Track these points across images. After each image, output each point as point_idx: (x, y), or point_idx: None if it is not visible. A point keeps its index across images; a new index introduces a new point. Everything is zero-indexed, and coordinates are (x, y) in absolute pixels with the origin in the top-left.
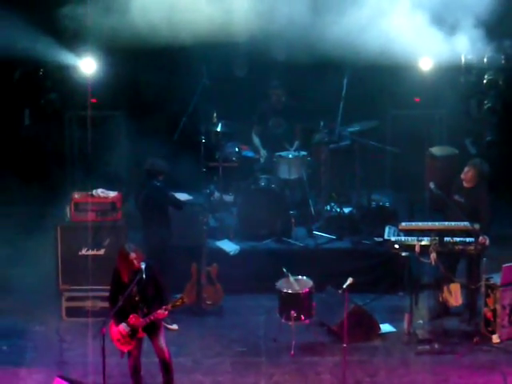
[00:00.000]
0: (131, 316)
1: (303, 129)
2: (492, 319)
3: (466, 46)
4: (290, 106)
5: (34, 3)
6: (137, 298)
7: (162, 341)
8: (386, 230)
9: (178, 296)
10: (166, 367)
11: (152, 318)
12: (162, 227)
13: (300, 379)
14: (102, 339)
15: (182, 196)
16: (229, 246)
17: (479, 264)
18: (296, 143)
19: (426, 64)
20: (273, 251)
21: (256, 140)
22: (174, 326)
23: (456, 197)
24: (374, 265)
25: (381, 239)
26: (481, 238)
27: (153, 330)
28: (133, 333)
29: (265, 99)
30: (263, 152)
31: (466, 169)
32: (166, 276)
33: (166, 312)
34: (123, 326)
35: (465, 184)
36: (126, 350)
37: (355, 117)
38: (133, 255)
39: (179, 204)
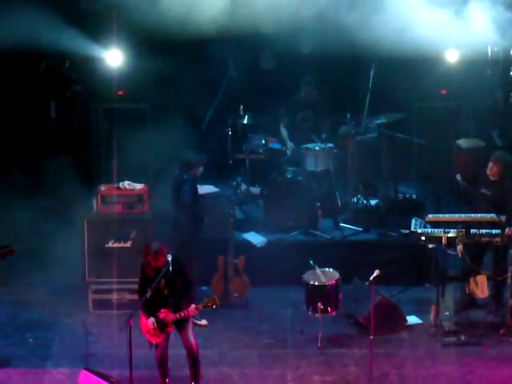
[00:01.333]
0: (162, 310)
1: (330, 121)
2: None
3: (493, 39)
4: (319, 99)
5: None
6: (165, 292)
7: (191, 334)
8: (413, 222)
9: (205, 288)
10: (194, 360)
11: (182, 315)
12: (192, 221)
13: (326, 371)
14: (128, 332)
15: (209, 188)
16: (255, 239)
17: (506, 256)
18: (323, 135)
19: (452, 56)
20: (299, 243)
21: (284, 132)
22: (203, 322)
23: (483, 190)
24: (401, 257)
25: (407, 231)
26: (507, 229)
27: (181, 323)
28: (162, 326)
29: (294, 92)
30: (290, 144)
31: (490, 164)
32: (194, 269)
33: (197, 311)
34: (152, 321)
35: (491, 178)
36: (154, 342)
37: (382, 109)
38: (157, 253)
39: (197, 213)
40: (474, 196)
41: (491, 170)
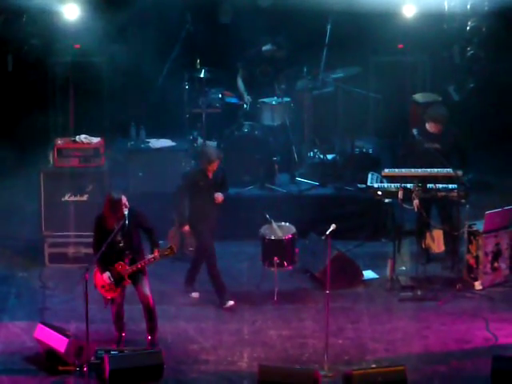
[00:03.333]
0: (117, 263)
1: (287, 75)
2: (474, 266)
3: None
4: (277, 54)
5: None
6: (121, 245)
7: (147, 288)
8: (369, 176)
9: (162, 242)
10: (150, 314)
11: (139, 265)
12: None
13: (283, 326)
14: (84, 285)
15: (165, 142)
16: None
17: (461, 211)
18: (282, 88)
19: (409, 10)
20: (256, 197)
21: (241, 85)
22: (195, 294)
23: (435, 145)
24: (357, 211)
25: (364, 186)
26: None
27: (137, 277)
28: (118, 280)
29: (252, 47)
30: (247, 98)
31: (429, 124)
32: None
33: (154, 260)
34: (107, 275)
35: (435, 132)
36: (109, 297)
37: (339, 63)
38: (123, 200)
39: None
40: (429, 150)
41: (432, 127)
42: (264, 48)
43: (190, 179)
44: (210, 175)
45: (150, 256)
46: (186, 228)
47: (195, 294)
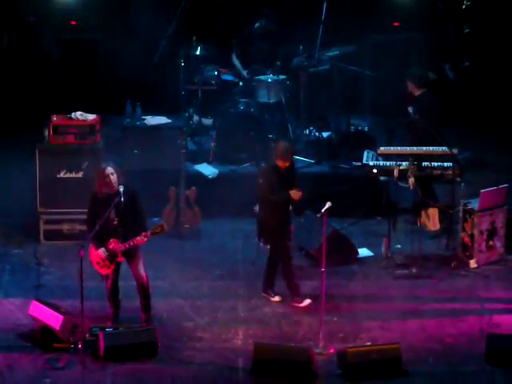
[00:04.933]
0: (111, 240)
1: (283, 53)
2: (469, 244)
3: None
4: (272, 30)
5: None
6: (115, 223)
7: (141, 265)
8: (365, 154)
9: (157, 219)
10: (144, 291)
11: (131, 243)
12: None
13: (278, 303)
14: (79, 262)
15: (161, 119)
16: (207, 170)
17: (456, 189)
18: (277, 64)
19: None
20: (251, 175)
21: (236, 62)
22: (277, 298)
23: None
24: (352, 189)
25: (359, 164)
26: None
27: (131, 254)
28: (112, 257)
29: (248, 24)
30: (245, 72)
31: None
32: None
33: (145, 238)
34: (102, 251)
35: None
36: (104, 273)
37: (334, 41)
38: (110, 170)
39: None
40: (425, 129)
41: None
42: (256, 25)
43: (265, 176)
44: (284, 171)
45: (141, 236)
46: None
47: (277, 298)
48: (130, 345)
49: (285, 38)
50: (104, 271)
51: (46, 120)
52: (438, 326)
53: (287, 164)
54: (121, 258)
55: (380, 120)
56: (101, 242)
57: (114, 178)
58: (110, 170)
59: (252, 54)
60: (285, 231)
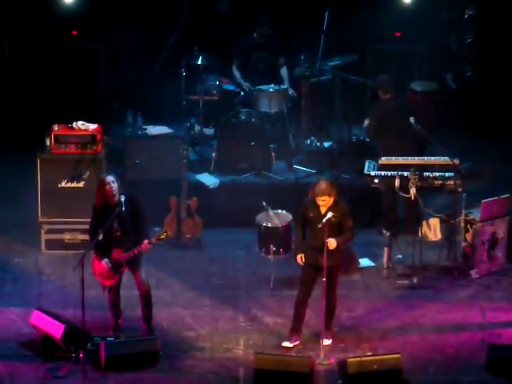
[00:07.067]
0: (114, 251)
1: (284, 63)
2: (471, 254)
3: None
4: (273, 39)
5: None
6: (118, 233)
7: (143, 274)
8: (366, 164)
9: (158, 229)
10: (146, 300)
11: (136, 251)
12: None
13: (278, 313)
14: (81, 272)
15: (162, 129)
16: (208, 180)
17: (458, 199)
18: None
19: None
20: (252, 185)
21: (237, 74)
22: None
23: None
24: (354, 199)
25: (360, 174)
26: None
27: (134, 263)
28: (116, 267)
29: (248, 33)
30: (246, 84)
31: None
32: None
33: (150, 245)
34: (105, 261)
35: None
36: (108, 285)
37: (336, 51)
38: (109, 179)
39: None
40: (426, 139)
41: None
42: (254, 35)
43: (301, 209)
44: (321, 208)
45: (145, 243)
46: (298, 258)
47: (292, 343)
48: (131, 354)
49: (286, 47)
50: (108, 282)
51: (48, 129)
52: (439, 337)
53: (322, 203)
54: (125, 268)
55: None
56: (103, 252)
57: (114, 186)
58: (110, 178)
59: (253, 64)
60: (313, 268)
